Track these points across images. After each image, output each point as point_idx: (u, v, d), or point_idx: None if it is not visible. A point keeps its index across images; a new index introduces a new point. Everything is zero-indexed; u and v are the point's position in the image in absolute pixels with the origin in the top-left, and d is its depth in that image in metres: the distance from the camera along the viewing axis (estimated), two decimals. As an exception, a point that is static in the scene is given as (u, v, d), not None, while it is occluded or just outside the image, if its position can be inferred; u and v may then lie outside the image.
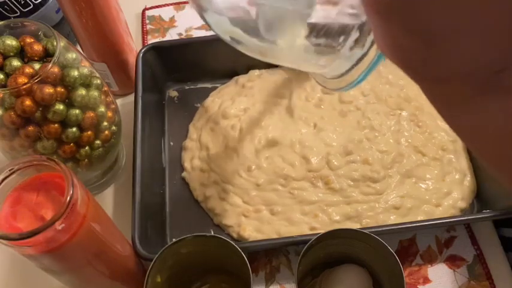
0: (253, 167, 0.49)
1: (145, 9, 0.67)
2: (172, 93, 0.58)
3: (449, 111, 0.19)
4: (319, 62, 0.27)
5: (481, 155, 0.21)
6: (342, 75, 0.27)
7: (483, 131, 0.18)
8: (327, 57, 0.25)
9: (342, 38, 0.23)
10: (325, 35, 0.22)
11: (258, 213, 0.47)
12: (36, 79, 0.37)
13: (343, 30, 0.22)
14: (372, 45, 0.23)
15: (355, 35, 0.23)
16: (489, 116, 0.17)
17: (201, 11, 0.24)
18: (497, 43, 0.15)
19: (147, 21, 0.66)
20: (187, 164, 0.52)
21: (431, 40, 0.15)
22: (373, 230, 0.41)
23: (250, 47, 0.25)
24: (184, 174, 0.52)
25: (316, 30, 0.22)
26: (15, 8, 0.54)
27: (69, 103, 0.41)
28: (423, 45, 0.16)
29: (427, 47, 0.16)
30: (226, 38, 0.25)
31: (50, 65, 0.38)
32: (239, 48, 0.26)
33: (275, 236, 0.46)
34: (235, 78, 0.57)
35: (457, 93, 0.17)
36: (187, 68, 0.57)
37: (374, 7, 0.16)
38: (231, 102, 0.54)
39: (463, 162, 0.50)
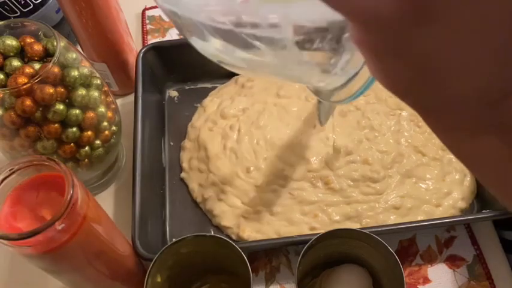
0: (252, 168, 0.49)
1: (145, 9, 0.67)
2: (172, 93, 0.58)
3: (445, 138, 0.19)
4: (312, 79, 0.27)
5: (480, 179, 0.20)
6: (337, 89, 0.26)
7: (480, 160, 0.18)
8: (320, 75, 0.25)
9: (333, 60, 0.23)
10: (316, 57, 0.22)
11: (258, 214, 0.47)
12: (36, 79, 0.37)
13: (334, 52, 0.22)
14: (365, 63, 0.23)
15: (346, 56, 0.22)
16: (485, 146, 0.17)
17: (186, 36, 0.24)
18: (493, 72, 0.15)
19: (147, 21, 0.66)
20: (185, 165, 0.52)
21: (424, 72, 0.16)
22: (373, 230, 0.41)
23: (240, 69, 0.25)
24: (182, 174, 0.52)
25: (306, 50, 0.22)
26: (15, 8, 0.54)
27: (69, 103, 0.41)
28: (417, 76, 0.16)
29: (421, 78, 0.16)
30: (214, 60, 0.25)
31: (50, 65, 0.38)
32: (228, 68, 0.26)
33: (275, 237, 0.46)
34: (235, 77, 0.57)
35: (451, 123, 0.17)
36: (187, 68, 0.57)
37: (365, 44, 0.16)
38: (230, 101, 0.54)
39: (463, 162, 0.50)
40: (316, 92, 0.30)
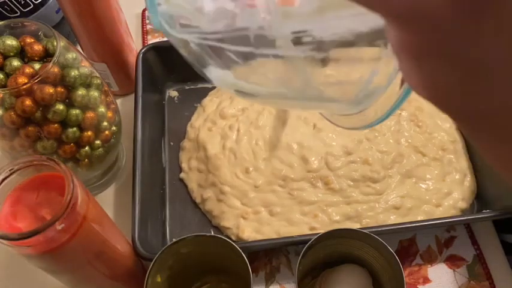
0: (251, 168, 0.49)
1: (146, 9, 0.67)
2: (172, 93, 0.58)
3: (488, 151, 0.17)
4: (330, 105, 0.26)
5: None
6: (351, 116, 0.26)
7: None
8: (339, 100, 0.24)
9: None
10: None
11: (257, 214, 0.47)
12: (36, 79, 0.37)
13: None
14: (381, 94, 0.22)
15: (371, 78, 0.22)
16: None
17: (200, 68, 0.24)
18: None
19: (147, 21, 0.66)
20: (184, 165, 0.52)
21: (474, 74, 0.14)
22: (373, 230, 0.41)
23: (259, 98, 0.25)
24: (182, 175, 0.51)
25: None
26: (15, 8, 0.54)
27: (69, 103, 0.41)
28: (464, 80, 0.14)
29: (469, 81, 0.14)
30: (232, 90, 0.25)
31: (50, 65, 0.37)
32: (247, 99, 0.25)
33: (275, 237, 0.46)
34: (235, 78, 0.57)
35: (501, 135, 0.15)
36: (187, 68, 0.55)
37: (405, 46, 0.14)
38: (229, 101, 0.54)
39: (463, 163, 0.50)
40: (332, 118, 0.29)
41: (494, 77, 0.14)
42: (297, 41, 0.19)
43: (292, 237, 0.43)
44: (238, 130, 0.51)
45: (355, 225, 0.46)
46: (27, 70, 0.39)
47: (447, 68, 0.14)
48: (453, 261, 0.47)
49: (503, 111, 0.15)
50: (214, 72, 0.24)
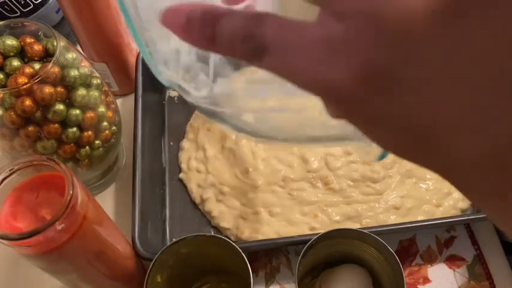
0: (250, 169, 0.48)
1: (145, 9, 0.67)
2: (173, 93, 0.58)
3: (469, 198, 0.16)
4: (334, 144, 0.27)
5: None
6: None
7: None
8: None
9: None
10: None
11: (257, 215, 0.47)
12: (36, 79, 0.37)
13: None
14: None
15: None
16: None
17: (208, 117, 0.25)
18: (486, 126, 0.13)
19: (147, 21, 0.66)
20: (184, 165, 0.52)
21: (410, 135, 0.14)
22: (373, 230, 0.41)
23: (270, 140, 0.26)
24: (181, 175, 0.51)
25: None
26: (15, 8, 0.54)
27: (69, 103, 0.41)
28: (402, 140, 0.14)
29: (407, 141, 0.14)
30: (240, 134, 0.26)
31: (50, 65, 0.37)
32: (258, 141, 0.27)
33: (275, 237, 0.46)
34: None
35: (465, 185, 0.15)
36: (187, 68, 0.57)
37: (340, 118, 0.14)
38: (230, 102, 0.54)
39: (463, 162, 0.50)
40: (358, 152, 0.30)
41: (424, 137, 0.14)
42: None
43: (292, 237, 0.43)
44: (238, 130, 0.51)
45: (355, 225, 0.46)
46: (27, 70, 0.39)
47: (381, 131, 0.14)
48: (453, 261, 0.47)
49: (457, 167, 0.14)
50: (218, 123, 0.25)
